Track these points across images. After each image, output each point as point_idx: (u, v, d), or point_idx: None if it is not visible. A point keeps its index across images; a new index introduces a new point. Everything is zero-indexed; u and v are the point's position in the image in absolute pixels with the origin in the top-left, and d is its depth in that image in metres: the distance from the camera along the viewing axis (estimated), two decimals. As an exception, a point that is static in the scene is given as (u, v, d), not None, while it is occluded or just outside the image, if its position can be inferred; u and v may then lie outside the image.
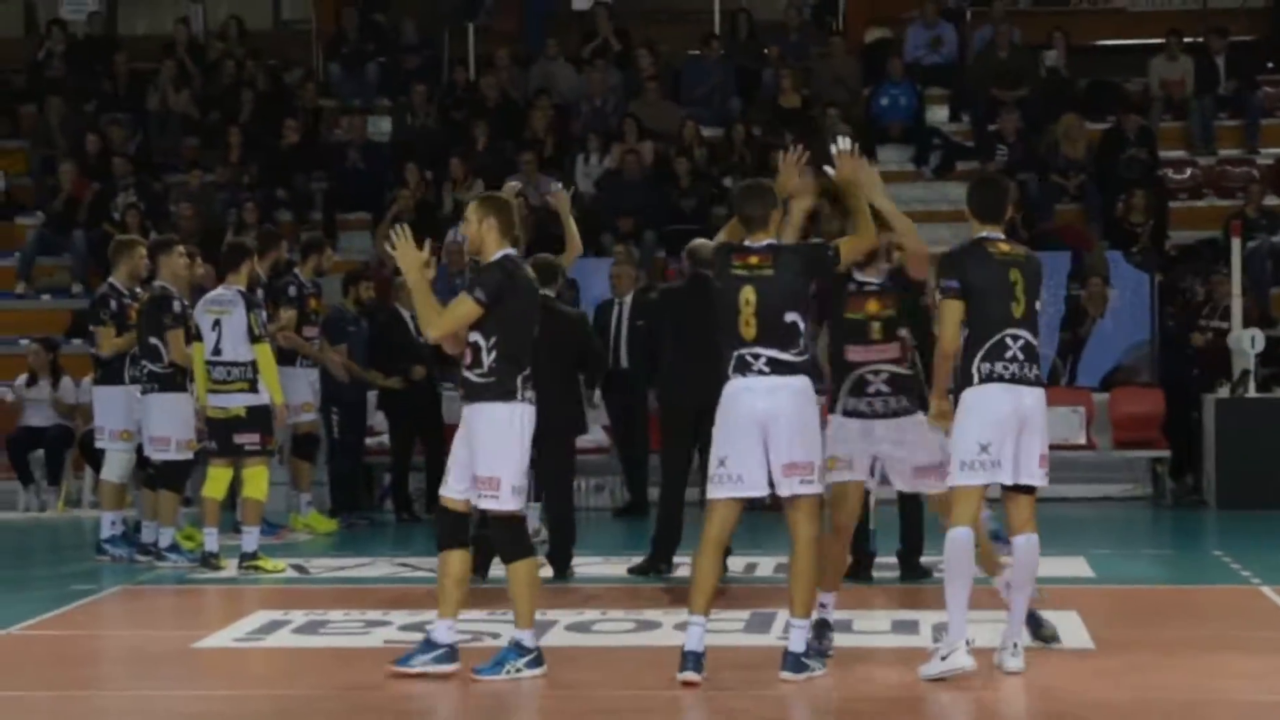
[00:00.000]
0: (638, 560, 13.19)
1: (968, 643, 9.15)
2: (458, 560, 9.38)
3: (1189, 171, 22.48)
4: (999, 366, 9.21)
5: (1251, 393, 17.41)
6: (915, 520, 12.76)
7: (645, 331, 16.12)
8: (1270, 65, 23.77)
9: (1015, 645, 9.34)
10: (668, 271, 19.50)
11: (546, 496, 13.29)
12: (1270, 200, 21.35)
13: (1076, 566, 13.20)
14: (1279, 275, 20.35)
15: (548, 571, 12.22)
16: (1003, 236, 9.42)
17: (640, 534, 14.47)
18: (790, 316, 9.18)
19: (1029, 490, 9.36)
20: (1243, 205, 20.86)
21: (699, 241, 13.59)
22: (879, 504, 12.50)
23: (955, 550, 9.18)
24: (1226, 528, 16.15)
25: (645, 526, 15.02)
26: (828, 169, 9.52)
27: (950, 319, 9.25)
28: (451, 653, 9.41)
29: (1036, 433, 9.25)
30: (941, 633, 9.50)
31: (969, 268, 9.27)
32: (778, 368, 9.15)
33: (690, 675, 9.09)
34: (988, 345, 9.20)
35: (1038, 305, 9.32)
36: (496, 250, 9.34)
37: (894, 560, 12.78)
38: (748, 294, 9.18)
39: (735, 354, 9.21)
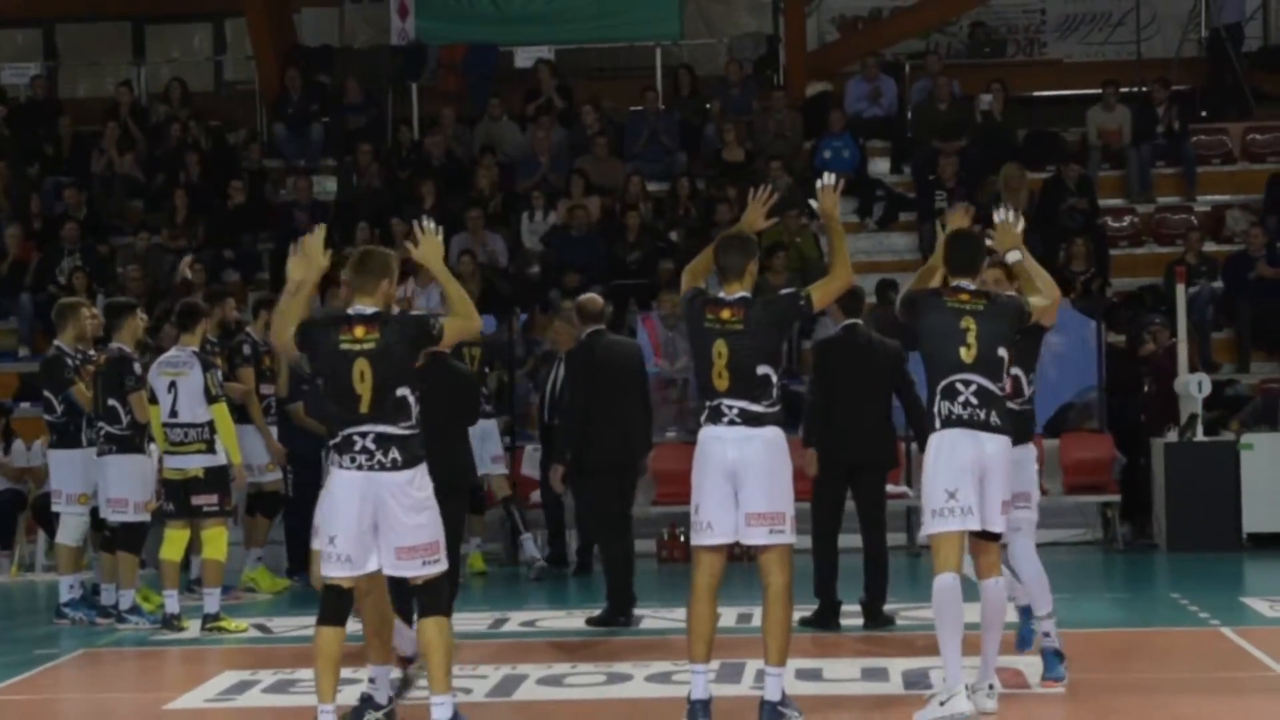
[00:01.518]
0: (595, 613, 13.16)
1: (967, 688, 9.14)
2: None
3: (1128, 219, 22.66)
4: (955, 408, 9.21)
5: (1199, 436, 17.50)
6: (880, 568, 12.79)
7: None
8: (1204, 114, 24.01)
9: (990, 687, 9.36)
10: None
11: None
12: (1209, 246, 21.52)
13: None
14: (1219, 321, 20.52)
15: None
16: (970, 287, 9.40)
17: (591, 587, 14.43)
18: (762, 370, 9.20)
19: (994, 536, 9.40)
20: (1183, 252, 21.01)
21: (587, 297, 13.90)
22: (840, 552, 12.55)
23: (941, 598, 9.16)
24: (1179, 570, 16.21)
25: (589, 580, 15.12)
26: (812, 202, 9.61)
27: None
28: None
29: (997, 480, 9.26)
30: (923, 680, 9.50)
31: (921, 312, 9.39)
32: (749, 419, 9.15)
33: None
34: (940, 386, 9.26)
35: (1000, 352, 9.25)
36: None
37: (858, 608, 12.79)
38: (720, 348, 9.21)
39: (709, 404, 9.24)
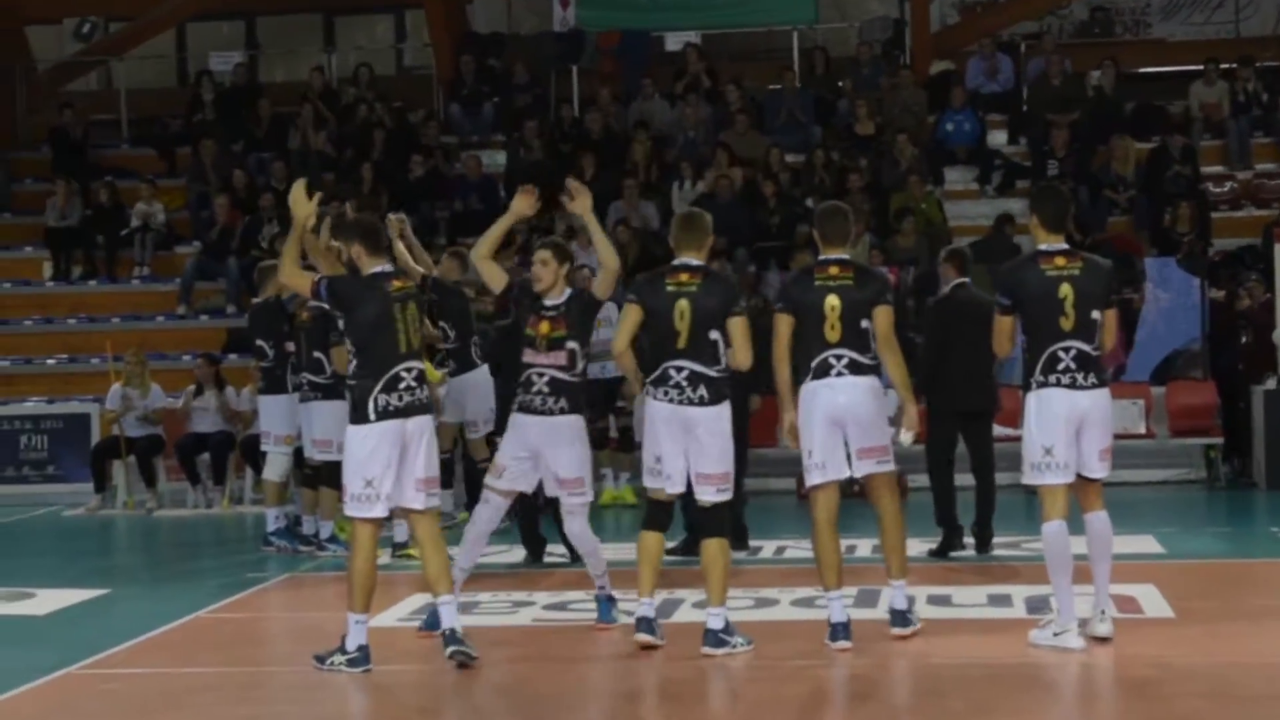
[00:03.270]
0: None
1: (1081, 623, 9.08)
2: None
3: (1228, 185, 22.28)
4: (1052, 378, 9.01)
5: (1295, 384, 17.22)
6: (988, 503, 12.76)
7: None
8: (1300, 87, 23.54)
9: (1103, 613, 9.23)
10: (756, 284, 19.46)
11: None
12: (1304, 209, 21.15)
13: (1147, 544, 13.06)
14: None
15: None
16: (1063, 247, 9.16)
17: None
18: (865, 323, 9.25)
19: (1095, 479, 9.22)
20: (1278, 214, 20.63)
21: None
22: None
23: (1050, 542, 9.09)
24: (1278, 507, 15.94)
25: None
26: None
27: (1001, 332, 9.21)
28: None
29: (1095, 430, 9.06)
30: (1044, 606, 9.45)
31: (1021, 283, 9.13)
32: (856, 368, 9.26)
33: (844, 643, 9.24)
34: (1043, 359, 9.03)
35: (1095, 315, 9.02)
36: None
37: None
38: (833, 301, 9.28)
39: (818, 356, 9.29)
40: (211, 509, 17.72)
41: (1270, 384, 17.29)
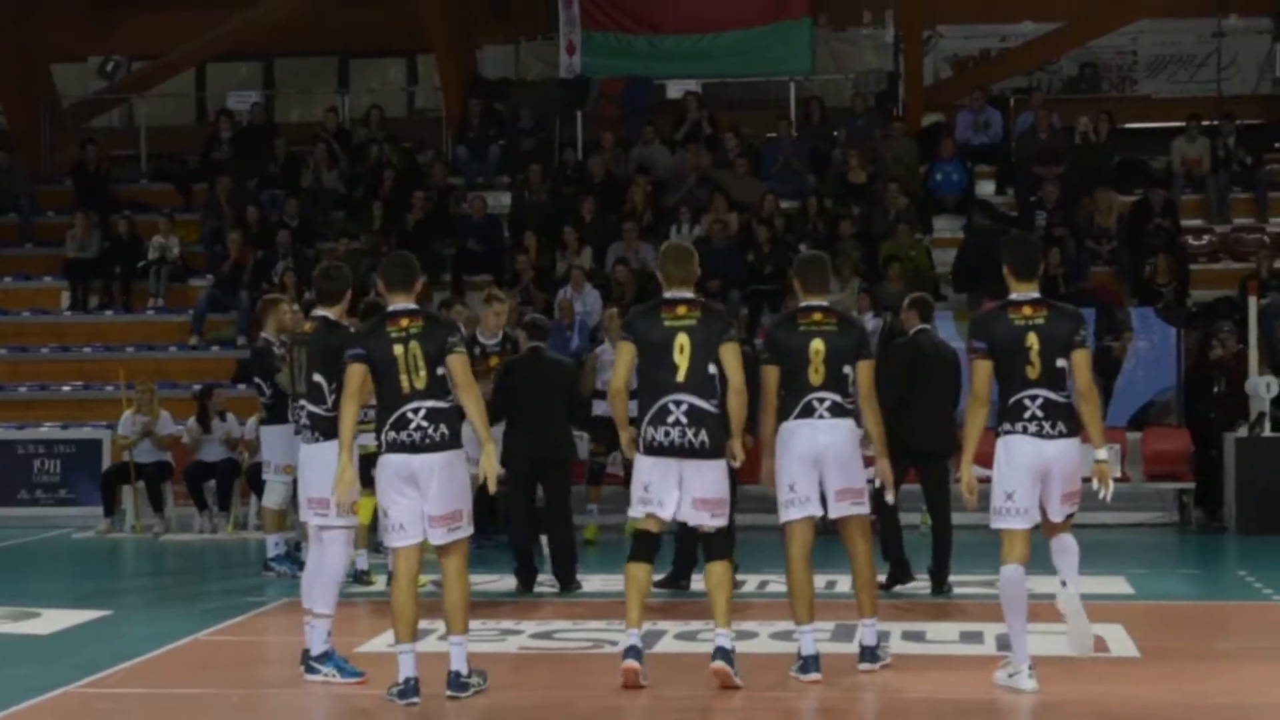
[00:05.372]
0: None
1: (1032, 667, 9.04)
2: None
3: (1206, 238, 22.31)
4: (1019, 424, 8.93)
5: (1267, 432, 17.21)
6: (944, 543, 12.70)
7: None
8: (1276, 145, 23.59)
9: (1064, 583, 9.25)
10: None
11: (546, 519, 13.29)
12: (1279, 264, 21.13)
13: (1117, 585, 13.05)
14: (1288, 329, 20.14)
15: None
16: (1032, 296, 9.05)
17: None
18: (846, 369, 9.31)
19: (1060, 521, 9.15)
20: (1255, 267, 20.67)
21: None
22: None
23: (1006, 586, 9.03)
24: (1247, 551, 15.91)
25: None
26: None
27: (980, 376, 9.04)
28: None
29: (1060, 479, 8.95)
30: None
31: (991, 332, 9.03)
32: (837, 411, 9.30)
33: (814, 675, 9.23)
34: (1010, 405, 8.96)
35: (1060, 363, 8.89)
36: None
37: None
38: (817, 346, 9.30)
39: (802, 399, 9.30)
40: (217, 534, 17.71)
41: (1242, 432, 17.31)
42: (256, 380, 14.20)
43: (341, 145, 24.02)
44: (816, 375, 9.28)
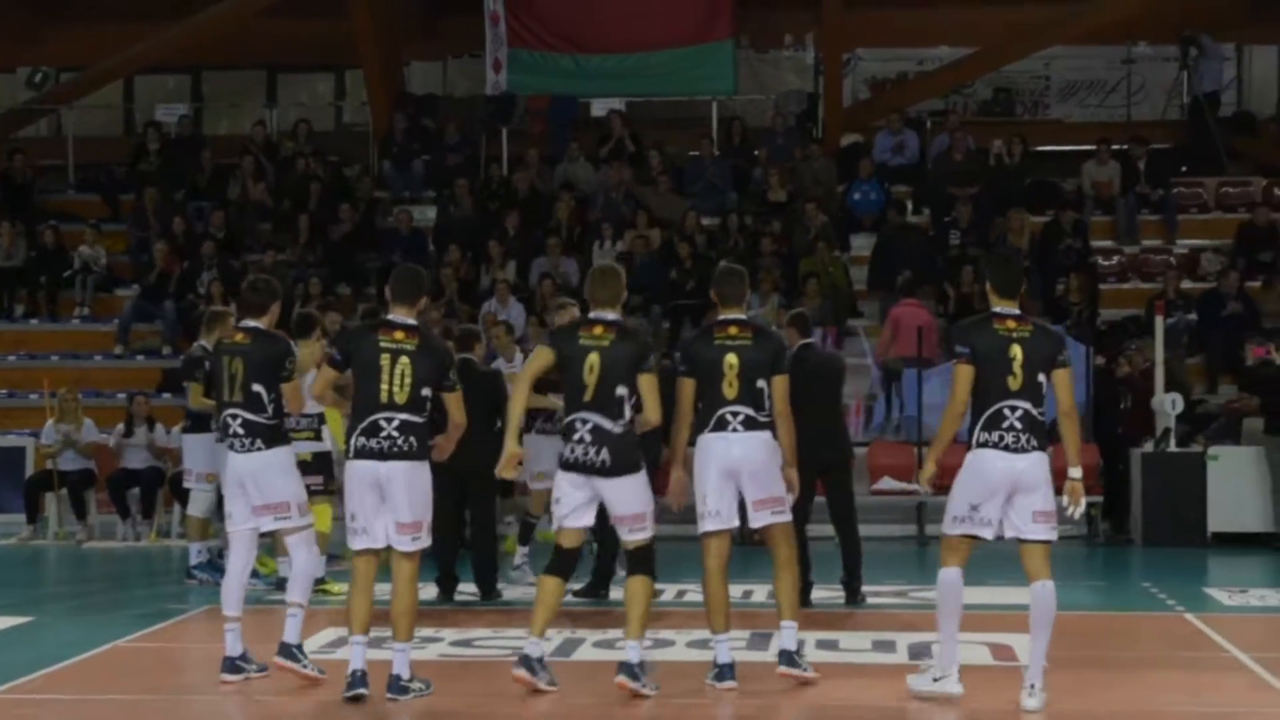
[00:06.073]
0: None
1: (958, 672, 9.07)
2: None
3: (1116, 259, 22.57)
4: (995, 435, 8.75)
5: (1172, 447, 17.41)
6: (854, 553, 12.68)
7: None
8: (1184, 169, 23.90)
9: (1033, 686, 8.90)
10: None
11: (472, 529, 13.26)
12: (1186, 284, 21.41)
13: (1027, 595, 13.05)
14: (1193, 348, 20.40)
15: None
16: (1015, 312, 8.94)
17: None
18: (761, 383, 9.27)
19: (1034, 542, 8.98)
20: (1163, 288, 20.92)
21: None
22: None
23: (944, 588, 9.00)
24: (1151, 563, 16.10)
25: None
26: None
27: (963, 381, 8.83)
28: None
29: (1030, 494, 8.81)
30: (925, 652, 9.47)
31: (974, 341, 8.86)
32: (750, 424, 9.27)
33: (730, 684, 9.24)
34: (986, 415, 8.77)
35: (1040, 379, 8.77)
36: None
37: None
38: (731, 360, 9.29)
39: (716, 412, 9.28)
40: (139, 542, 17.56)
41: (1148, 447, 17.50)
42: (185, 385, 13.98)
43: (269, 158, 23.90)
44: (730, 389, 9.26)
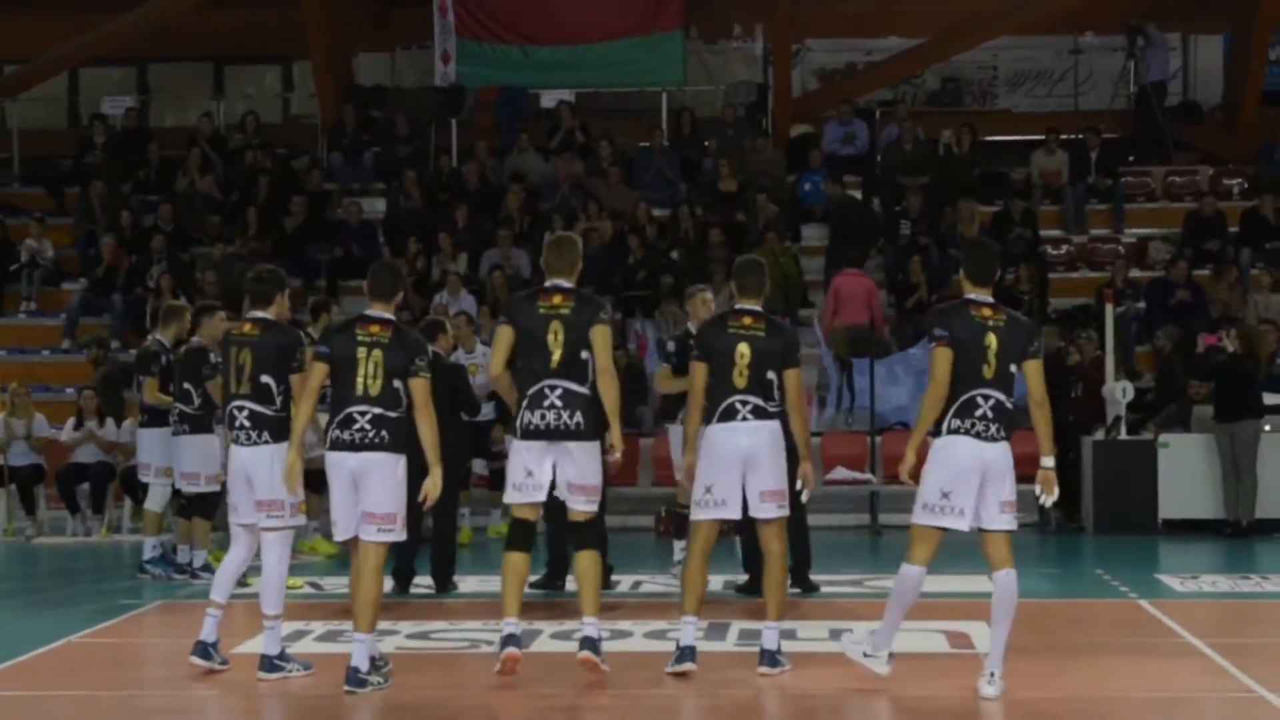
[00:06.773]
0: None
1: (890, 655, 9.14)
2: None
3: (1065, 248, 22.70)
4: (967, 422, 8.74)
5: (1122, 435, 17.53)
6: (802, 542, 12.57)
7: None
8: (1131, 159, 24.07)
9: (992, 675, 8.92)
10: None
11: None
12: (1134, 273, 21.54)
13: (980, 583, 13.08)
14: (1142, 336, 20.55)
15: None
16: (989, 300, 8.90)
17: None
18: (770, 374, 9.33)
19: (999, 531, 8.98)
20: (1111, 276, 21.05)
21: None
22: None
23: (903, 580, 8.99)
24: (1103, 550, 16.19)
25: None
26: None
27: (942, 363, 8.73)
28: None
29: (997, 483, 8.82)
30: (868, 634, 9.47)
31: (951, 326, 8.79)
32: (760, 414, 9.32)
33: (688, 666, 9.28)
34: (959, 402, 8.74)
35: (1012, 368, 8.79)
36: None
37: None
38: (743, 349, 9.34)
39: (725, 401, 9.31)
40: (90, 537, 17.46)
41: (1099, 435, 17.61)
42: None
43: (216, 151, 23.77)
44: (741, 378, 9.30)
